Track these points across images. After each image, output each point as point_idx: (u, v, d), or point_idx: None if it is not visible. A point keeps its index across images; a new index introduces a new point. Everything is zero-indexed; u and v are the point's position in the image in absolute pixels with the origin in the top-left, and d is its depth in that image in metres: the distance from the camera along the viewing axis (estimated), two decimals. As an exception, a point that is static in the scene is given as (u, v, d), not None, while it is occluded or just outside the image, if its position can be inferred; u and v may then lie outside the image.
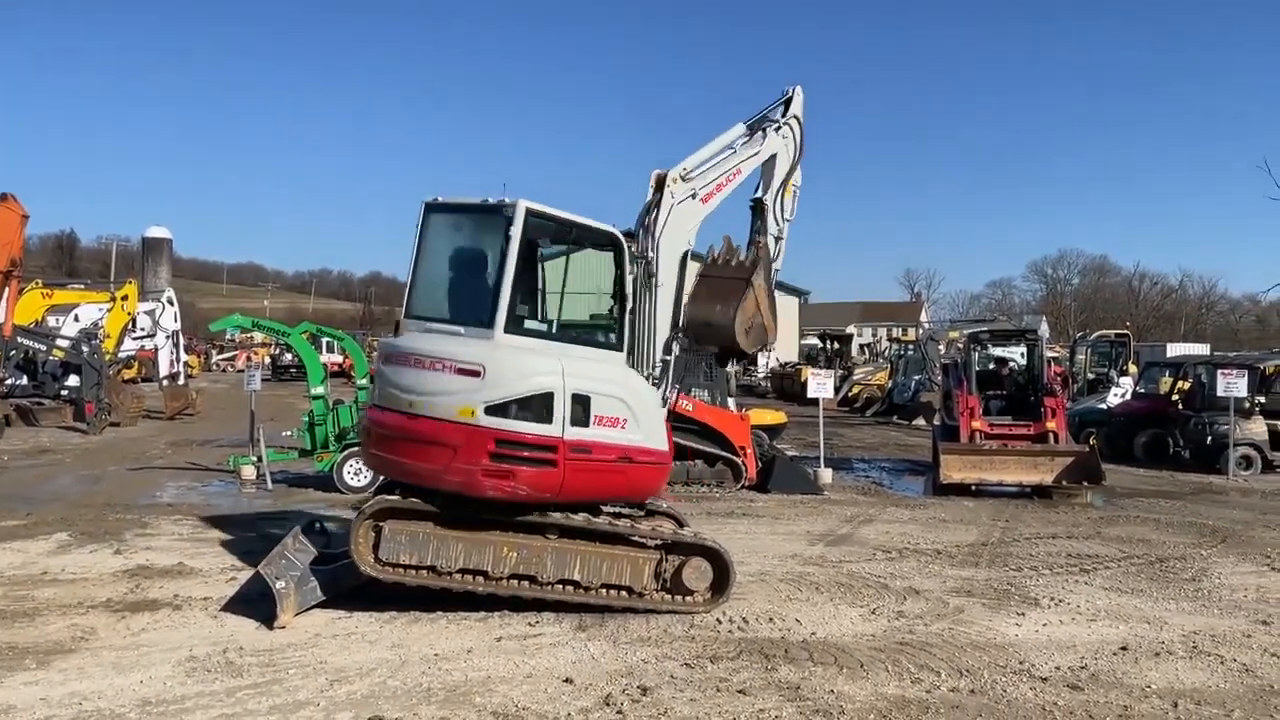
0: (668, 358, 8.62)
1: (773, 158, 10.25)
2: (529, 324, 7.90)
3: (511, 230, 7.56)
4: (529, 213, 7.66)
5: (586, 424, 7.60)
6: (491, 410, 7.35)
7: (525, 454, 7.39)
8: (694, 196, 9.03)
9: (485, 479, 7.35)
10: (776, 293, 10.51)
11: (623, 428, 7.80)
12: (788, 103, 10.35)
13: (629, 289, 8.16)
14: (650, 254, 8.52)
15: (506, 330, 7.57)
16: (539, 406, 7.44)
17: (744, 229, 10.61)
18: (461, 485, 7.40)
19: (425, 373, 7.62)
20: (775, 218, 10.38)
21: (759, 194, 10.40)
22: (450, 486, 7.45)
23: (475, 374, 7.40)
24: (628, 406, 7.85)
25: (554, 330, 8.06)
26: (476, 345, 7.58)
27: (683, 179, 8.98)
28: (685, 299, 8.95)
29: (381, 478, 9.01)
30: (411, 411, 7.66)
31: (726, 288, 10.11)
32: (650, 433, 8.03)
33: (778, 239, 10.49)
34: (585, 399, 7.59)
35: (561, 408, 7.48)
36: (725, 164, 9.54)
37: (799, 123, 10.38)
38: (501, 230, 7.65)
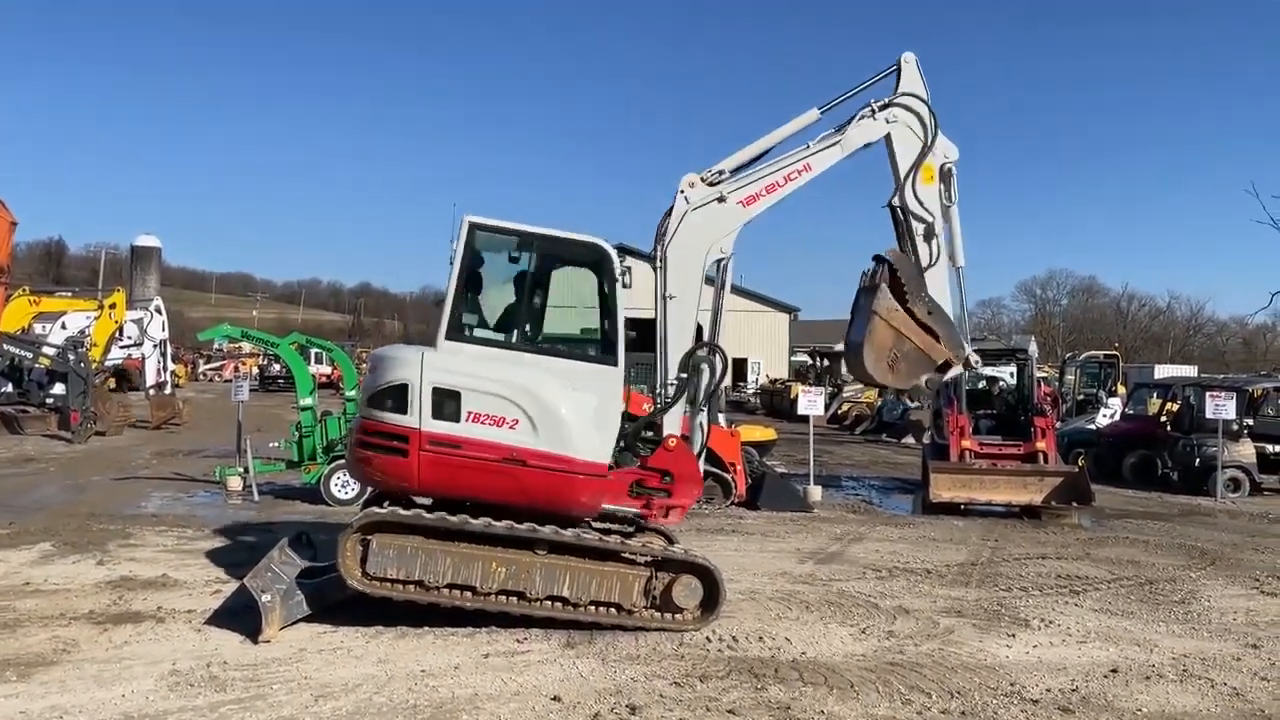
0: (683, 375, 8.30)
1: (886, 145, 8.92)
2: (480, 333, 8.12)
3: (455, 244, 7.82)
4: (474, 226, 7.91)
5: (457, 419, 7.57)
6: (370, 402, 7.82)
7: (379, 442, 7.66)
8: (722, 200, 8.44)
9: (356, 464, 8.15)
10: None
11: (511, 428, 7.58)
12: (898, 77, 8.94)
13: (616, 301, 7.98)
14: (660, 264, 8.31)
15: (448, 338, 7.80)
16: (395, 397, 7.63)
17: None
18: (350, 469, 8.69)
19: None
20: (920, 213, 8.88)
21: (891, 198, 8.98)
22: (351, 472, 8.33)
23: (371, 370, 8.11)
24: (518, 407, 7.58)
25: (515, 340, 8.10)
26: (402, 349, 8.13)
27: (704, 181, 8.45)
28: (715, 313, 8.62)
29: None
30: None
31: (864, 320, 8.89)
32: (560, 440, 7.64)
33: (928, 236, 8.89)
34: (454, 394, 7.58)
35: (417, 399, 7.55)
36: (787, 159, 8.67)
37: (917, 98, 8.89)
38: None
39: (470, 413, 7.57)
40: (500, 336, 8.22)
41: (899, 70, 8.92)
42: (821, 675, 6.80)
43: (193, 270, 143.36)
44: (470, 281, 8.13)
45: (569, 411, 7.72)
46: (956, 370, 8.97)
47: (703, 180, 8.48)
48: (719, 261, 8.53)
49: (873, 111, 8.85)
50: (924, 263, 8.83)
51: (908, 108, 8.89)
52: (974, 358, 8.95)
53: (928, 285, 8.78)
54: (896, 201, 8.90)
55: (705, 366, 8.39)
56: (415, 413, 7.56)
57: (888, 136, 8.89)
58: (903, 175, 8.88)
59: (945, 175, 8.90)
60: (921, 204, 8.85)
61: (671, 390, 8.30)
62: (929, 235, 8.87)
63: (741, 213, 8.54)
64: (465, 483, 7.66)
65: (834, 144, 8.77)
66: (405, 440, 7.56)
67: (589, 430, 7.78)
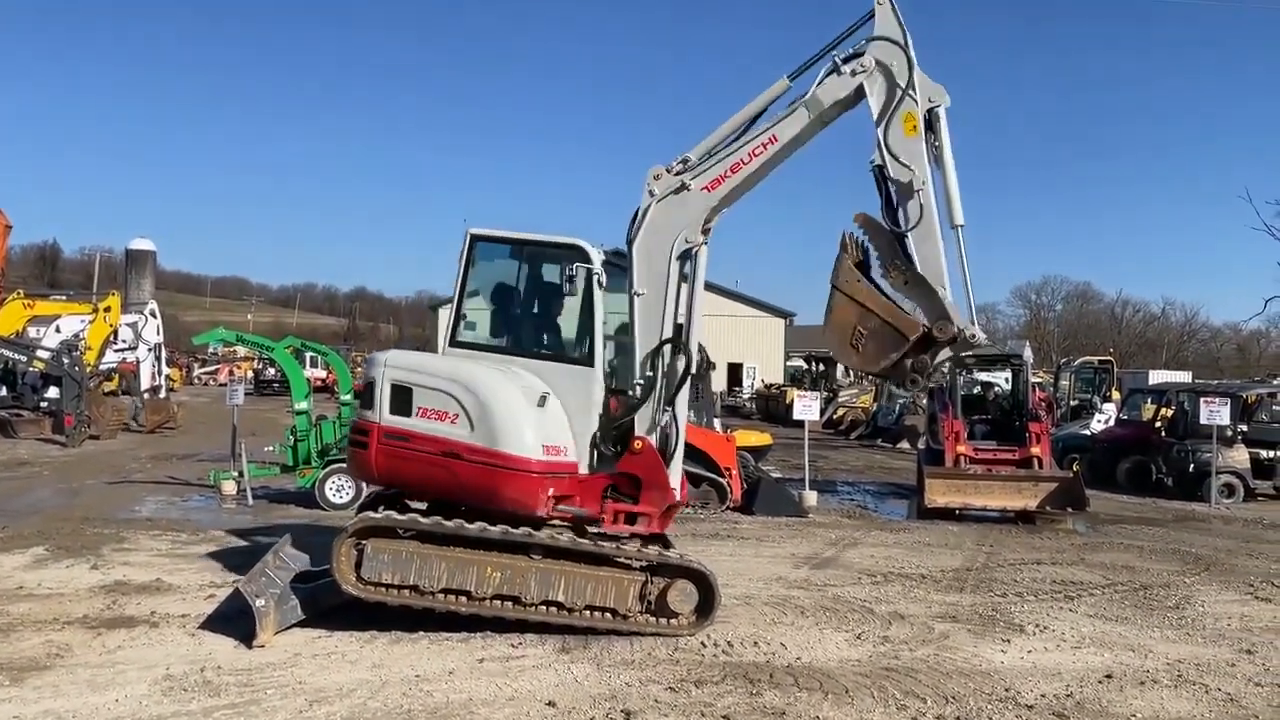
0: (651, 373, 8.05)
1: (857, 103, 7.94)
2: (481, 339, 8.46)
3: (460, 254, 8.25)
4: (474, 237, 8.32)
5: (409, 414, 7.78)
6: (360, 403, 8.36)
7: (358, 437, 8.07)
8: (684, 188, 8.02)
9: (348, 460, 9.02)
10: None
11: (451, 423, 7.68)
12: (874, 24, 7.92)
13: (594, 301, 8.07)
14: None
15: (452, 344, 8.25)
16: (366, 395, 8.02)
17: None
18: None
19: None
20: (896, 171, 7.71)
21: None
22: None
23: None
24: (457, 401, 7.65)
25: (510, 343, 8.43)
26: (381, 353, 8.51)
27: (668, 172, 8.09)
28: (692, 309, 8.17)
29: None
30: None
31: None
32: (493, 435, 7.59)
33: (908, 194, 7.64)
34: (407, 390, 7.81)
35: (378, 396, 7.87)
36: (751, 135, 8.09)
37: (891, 42, 7.80)
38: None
39: (419, 408, 7.79)
40: (499, 341, 8.45)
41: (873, 16, 7.92)
42: (816, 680, 6.79)
43: (188, 274, 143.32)
44: (473, 289, 8.42)
45: (510, 408, 7.67)
46: (947, 352, 7.83)
47: (668, 171, 8.14)
48: (688, 252, 8.11)
49: (837, 66, 7.88)
50: (905, 225, 7.70)
51: (878, 57, 7.82)
52: (971, 331, 7.69)
53: (915, 250, 7.71)
54: (875, 159, 7.82)
55: (676, 364, 8.12)
56: (377, 408, 7.87)
57: (862, 91, 7.85)
58: (875, 126, 7.81)
59: (932, 122, 7.74)
60: (897, 158, 7.69)
61: (639, 390, 8.10)
62: (908, 193, 7.67)
63: (705, 198, 8.06)
64: (412, 474, 7.91)
65: (799, 107, 7.99)
66: (367, 434, 7.90)
67: (533, 427, 7.69)
